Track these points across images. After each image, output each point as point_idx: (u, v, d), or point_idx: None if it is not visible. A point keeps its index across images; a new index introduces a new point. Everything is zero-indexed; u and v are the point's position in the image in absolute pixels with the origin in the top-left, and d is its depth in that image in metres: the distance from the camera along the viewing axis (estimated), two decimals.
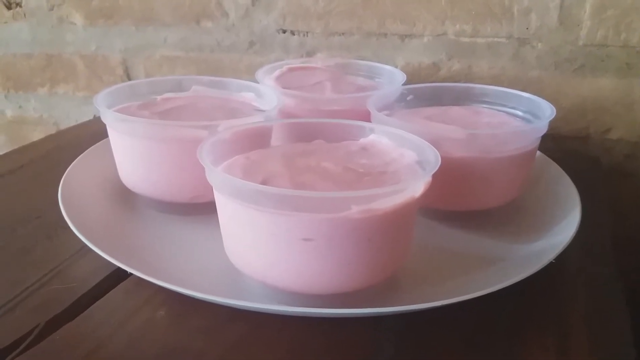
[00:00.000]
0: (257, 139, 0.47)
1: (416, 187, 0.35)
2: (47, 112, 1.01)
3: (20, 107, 1.02)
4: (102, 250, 0.41)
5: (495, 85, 0.58)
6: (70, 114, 1.00)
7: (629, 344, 0.36)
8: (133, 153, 0.48)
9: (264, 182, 0.37)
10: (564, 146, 0.71)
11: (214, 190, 0.38)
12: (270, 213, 0.33)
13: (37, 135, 1.03)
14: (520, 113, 0.54)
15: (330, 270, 0.35)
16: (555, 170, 0.55)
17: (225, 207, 0.37)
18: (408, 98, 0.58)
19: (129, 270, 0.39)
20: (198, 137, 0.45)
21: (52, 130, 1.02)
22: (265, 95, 0.57)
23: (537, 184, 0.53)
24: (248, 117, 0.52)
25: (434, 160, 0.38)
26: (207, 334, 0.37)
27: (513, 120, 0.53)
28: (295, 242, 0.34)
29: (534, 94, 0.54)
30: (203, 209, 0.50)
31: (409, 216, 0.36)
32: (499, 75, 0.72)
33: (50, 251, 0.46)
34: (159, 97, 0.57)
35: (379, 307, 0.35)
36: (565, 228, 0.44)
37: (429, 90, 0.58)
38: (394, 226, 0.35)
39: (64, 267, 0.44)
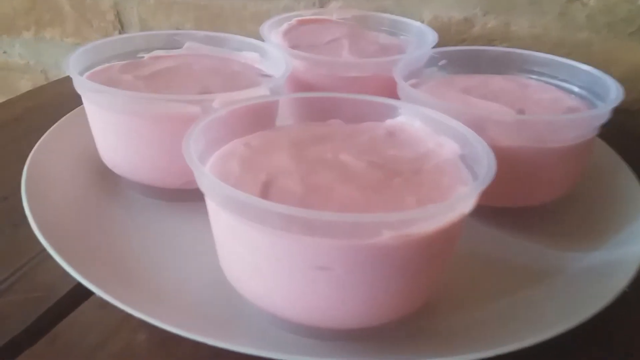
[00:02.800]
0: (261, 116, 0.39)
1: (467, 204, 0.27)
2: (33, 59, 0.92)
3: (4, 52, 0.93)
4: (65, 259, 0.33)
5: (536, 48, 0.49)
6: (58, 62, 0.91)
7: None
8: (112, 130, 0.40)
9: (267, 183, 0.30)
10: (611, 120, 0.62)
11: (207, 199, 0.31)
12: (276, 235, 0.26)
13: (24, 84, 0.95)
14: (576, 89, 0.45)
15: (348, 304, 0.27)
16: (612, 159, 0.47)
17: (218, 217, 0.29)
18: (440, 63, 0.50)
19: (96, 291, 0.32)
20: (189, 114, 0.37)
21: (40, 79, 0.93)
22: (271, 56, 0.48)
23: (591, 175, 0.45)
24: (250, 86, 0.43)
25: (485, 160, 0.30)
26: None
27: (567, 98, 0.44)
28: (306, 270, 0.26)
29: (581, 58, 0.46)
30: (196, 195, 0.42)
31: (454, 237, 0.29)
32: (541, 35, 0.63)
33: (15, 245, 0.39)
34: (146, 56, 0.49)
35: (408, 347, 0.28)
36: (630, 240, 0.37)
37: (465, 55, 0.50)
38: (434, 251, 0.28)
39: (30, 267, 0.37)
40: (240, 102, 0.37)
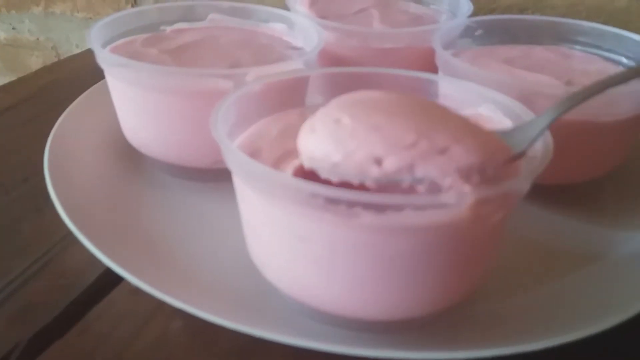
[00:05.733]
0: (294, 91, 0.37)
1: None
2: (43, 35, 0.90)
3: (13, 28, 0.91)
4: (94, 243, 0.32)
5: (570, 16, 0.46)
6: (70, 38, 0.88)
7: None
8: (139, 107, 0.38)
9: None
10: None
11: (234, 177, 0.28)
12: (344, 225, 0.23)
13: (34, 61, 0.93)
14: (624, 60, 0.43)
15: (412, 294, 0.25)
16: None
17: (263, 211, 0.27)
18: (477, 33, 0.47)
19: (127, 277, 0.30)
20: (221, 89, 0.35)
21: (51, 56, 0.91)
22: (299, 27, 0.46)
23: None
24: (281, 59, 0.41)
25: (540, 143, 0.28)
26: (238, 357, 0.28)
27: (615, 69, 0.42)
28: (377, 262, 0.24)
29: (619, 27, 0.43)
30: (227, 175, 0.40)
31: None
32: (577, 4, 0.60)
33: (39, 229, 0.37)
34: (168, 29, 0.46)
35: (451, 337, 0.27)
36: None
37: (503, 25, 0.47)
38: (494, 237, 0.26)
39: (56, 253, 0.35)
40: (275, 76, 0.34)
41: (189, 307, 0.28)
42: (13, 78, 0.93)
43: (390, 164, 0.24)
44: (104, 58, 0.37)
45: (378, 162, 0.24)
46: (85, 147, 0.42)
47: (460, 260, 0.25)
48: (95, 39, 0.38)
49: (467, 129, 0.27)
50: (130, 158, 0.42)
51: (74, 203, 0.35)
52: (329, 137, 0.25)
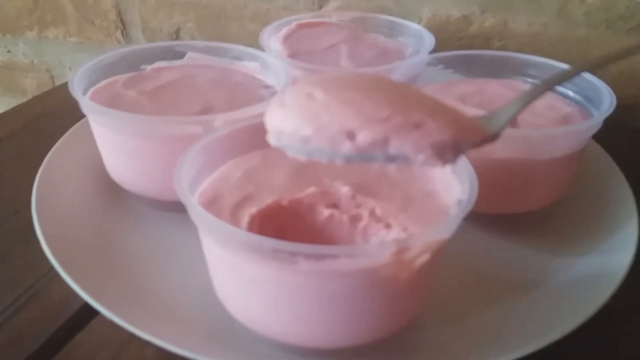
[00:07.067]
0: (257, 134, 0.40)
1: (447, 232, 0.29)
2: (38, 58, 0.93)
3: (8, 51, 0.94)
4: (74, 279, 0.35)
5: (533, 46, 0.49)
6: (63, 61, 0.92)
7: None
8: (118, 149, 0.41)
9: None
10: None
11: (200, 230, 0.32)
12: (287, 269, 0.27)
13: (29, 82, 0.96)
14: (571, 93, 0.46)
15: (350, 326, 0.29)
16: (604, 162, 0.48)
17: (221, 256, 0.30)
18: (438, 68, 0.50)
19: (102, 311, 0.33)
20: (192, 134, 0.39)
21: (45, 77, 0.95)
22: (271, 66, 0.49)
23: (584, 180, 0.46)
24: (252, 99, 0.44)
25: (467, 194, 0.30)
26: None
27: (563, 104, 0.45)
28: (315, 300, 0.28)
29: (579, 55, 0.46)
30: None
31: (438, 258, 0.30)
32: (539, 33, 0.63)
33: (27, 262, 0.40)
34: (149, 67, 0.50)
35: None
36: (618, 247, 0.38)
37: (461, 60, 0.50)
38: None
39: (43, 284, 0.38)
40: (241, 122, 0.38)
41: (158, 340, 0.31)
42: (9, 98, 0.97)
43: (364, 137, 0.23)
44: (85, 105, 0.41)
45: (351, 136, 0.24)
46: (72, 181, 0.45)
47: (391, 298, 0.28)
48: (77, 85, 0.42)
49: (442, 108, 0.27)
50: (113, 191, 0.45)
51: (58, 239, 0.38)
52: (300, 111, 0.25)
